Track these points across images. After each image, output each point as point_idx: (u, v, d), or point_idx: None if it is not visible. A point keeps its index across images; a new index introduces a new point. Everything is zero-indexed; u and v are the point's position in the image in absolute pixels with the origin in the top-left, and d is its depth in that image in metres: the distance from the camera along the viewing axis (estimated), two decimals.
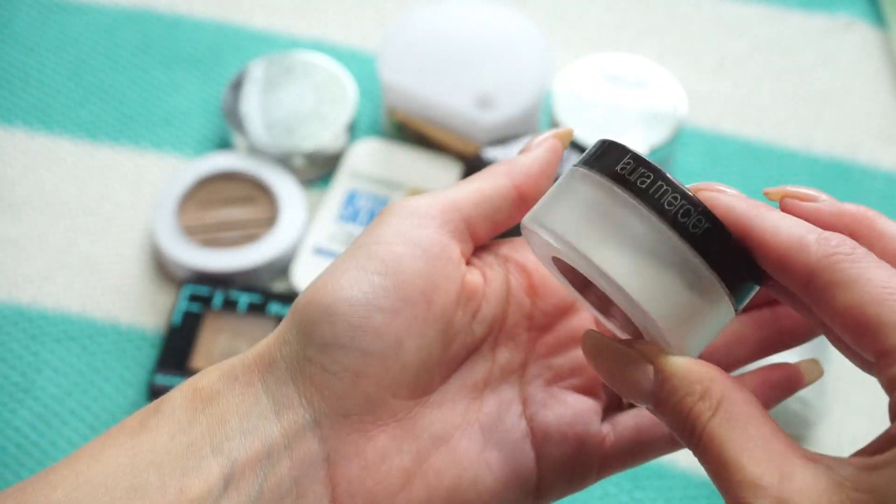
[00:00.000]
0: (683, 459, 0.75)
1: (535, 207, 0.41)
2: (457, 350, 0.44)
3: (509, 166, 0.45)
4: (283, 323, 0.43)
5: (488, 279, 0.45)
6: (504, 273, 0.45)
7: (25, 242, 0.85)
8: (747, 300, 0.39)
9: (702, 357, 0.42)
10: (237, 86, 0.88)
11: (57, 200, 0.87)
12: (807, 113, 0.91)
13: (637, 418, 0.45)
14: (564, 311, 0.46)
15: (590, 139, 0.83)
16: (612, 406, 0.46)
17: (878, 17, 0.95)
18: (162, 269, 0.83)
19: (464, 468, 0.42)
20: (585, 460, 0.44)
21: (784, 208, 0.40)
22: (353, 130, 0.89)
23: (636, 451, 0.45)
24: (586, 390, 0.45)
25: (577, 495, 0.74)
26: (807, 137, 0.90)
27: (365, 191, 0.85)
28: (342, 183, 0.86)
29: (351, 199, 0.85)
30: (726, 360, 0.45)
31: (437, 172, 0.85)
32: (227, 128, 0.88)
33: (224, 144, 0.89)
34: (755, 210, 0.38)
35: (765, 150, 0.89)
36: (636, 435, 0.45)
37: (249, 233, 0.83)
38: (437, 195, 0.44)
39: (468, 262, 0.45)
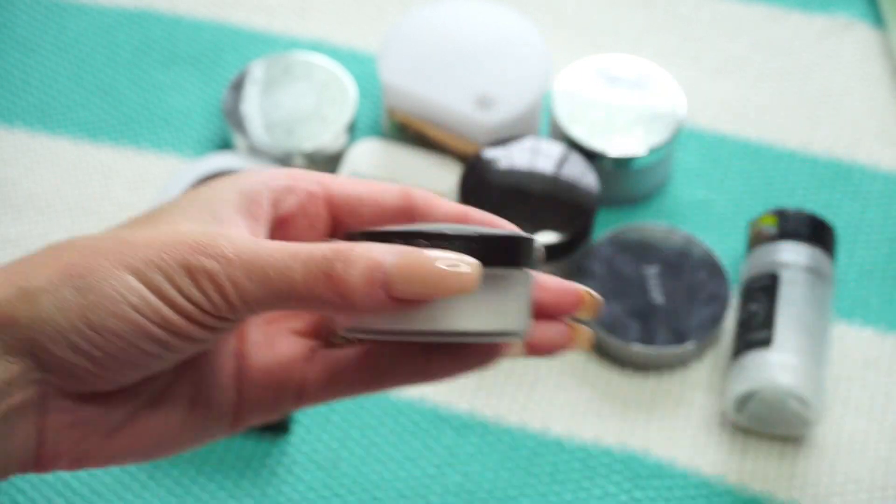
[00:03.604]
0: (684, 459, 0.75)
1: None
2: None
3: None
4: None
5: None
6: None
7: (25, 242, 0.85)
8: (532, 257, 0.44)
9: None
10: (237, 86, 0.88)
11: (57, 200, 0.87)
12: (807, 113, 0.91)
13: (333, 358, 0.47)
14: None
15: (590, 140, 0.83)
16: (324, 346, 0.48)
17: (878, 17, 0.95)
18: None
19: (168, 421, 0.45)
20: (284, 397, 0.47)
21: None
22: (353, 131, 0.89)
23: (331, 388, 0.47)
24: (302, 332, 0.48)
25: (577, 495, 0.75)
26: (806, 138, 0.90)
27: None
28: None
29: None
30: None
31: (438, 173, 0.85)
32: (227, 128, 0.88)
33: (224, 145, 0.89)
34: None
35: (765, 151, 0.89)
36: (331, 375, 0.47)
37: None
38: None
39: None
